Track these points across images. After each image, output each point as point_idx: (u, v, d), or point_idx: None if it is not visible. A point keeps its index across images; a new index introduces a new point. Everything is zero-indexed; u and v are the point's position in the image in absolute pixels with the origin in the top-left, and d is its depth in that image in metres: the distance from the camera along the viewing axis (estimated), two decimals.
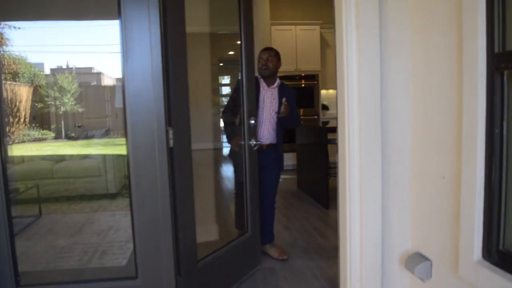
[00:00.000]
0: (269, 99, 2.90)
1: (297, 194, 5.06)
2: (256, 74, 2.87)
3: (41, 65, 6.62)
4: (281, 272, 2.74)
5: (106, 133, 6.61)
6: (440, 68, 1.58)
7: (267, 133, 2.92)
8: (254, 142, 2.69)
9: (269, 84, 2.91)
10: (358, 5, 1.73)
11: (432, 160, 1.67)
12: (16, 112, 5.77)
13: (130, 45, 1.67)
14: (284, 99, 2.82)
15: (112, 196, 4.65)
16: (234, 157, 3.01)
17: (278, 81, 2.93)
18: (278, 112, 2.88)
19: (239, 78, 2.63)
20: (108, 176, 4.66)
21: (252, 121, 2.67)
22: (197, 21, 6.05)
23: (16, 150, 5.28)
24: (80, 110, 6.70)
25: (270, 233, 3.08)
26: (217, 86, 10.45)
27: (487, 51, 1.27)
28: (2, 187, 1.70)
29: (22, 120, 5.92)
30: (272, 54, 2.88)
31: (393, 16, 1.77)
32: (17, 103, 5.82)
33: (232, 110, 2.97)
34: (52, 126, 6.53)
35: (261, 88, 2.89)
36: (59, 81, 6.52)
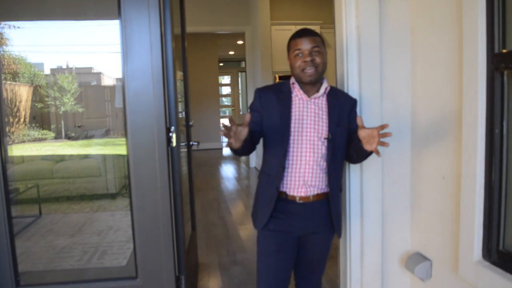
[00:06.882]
0: (312, 116, 1.58)
1: None
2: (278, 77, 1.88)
3: (41, 65, 6.62)
4: None
5: (106, 133, 6.61)
6: (440, 68, 1.58)
7: (310, 175, 1.56)
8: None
9: (311, 92, 1.59)
10: (358, 5, 1.74)
11: (432, 160, 1.67)
12: (16, 112, 5.77)
13: (130, 45, 1.67)
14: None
15: (112, 196, 4.64)
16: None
17: (325, 84, 1.61)
18: (333, 136, 1.56)
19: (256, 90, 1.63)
20: (108, 176, 4.66)
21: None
22: (197, 21, 6.06)
23: (16, 150, 5.27)
24: (80, 110, 6.70)
25: None
26: (217, 86, 10.46)
27: (487, 51, 1.27)
28: (2, 187, 1.70)
29: (22, 120, 5.92)
30: (319, 41, 1.56)
31: (393, 16, 1.77)
32: (17, 103, 5.82)
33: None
34: (52, 126, 6.53)
35: (295, 100, 1.59)
36: (59, 81, 6.51)
